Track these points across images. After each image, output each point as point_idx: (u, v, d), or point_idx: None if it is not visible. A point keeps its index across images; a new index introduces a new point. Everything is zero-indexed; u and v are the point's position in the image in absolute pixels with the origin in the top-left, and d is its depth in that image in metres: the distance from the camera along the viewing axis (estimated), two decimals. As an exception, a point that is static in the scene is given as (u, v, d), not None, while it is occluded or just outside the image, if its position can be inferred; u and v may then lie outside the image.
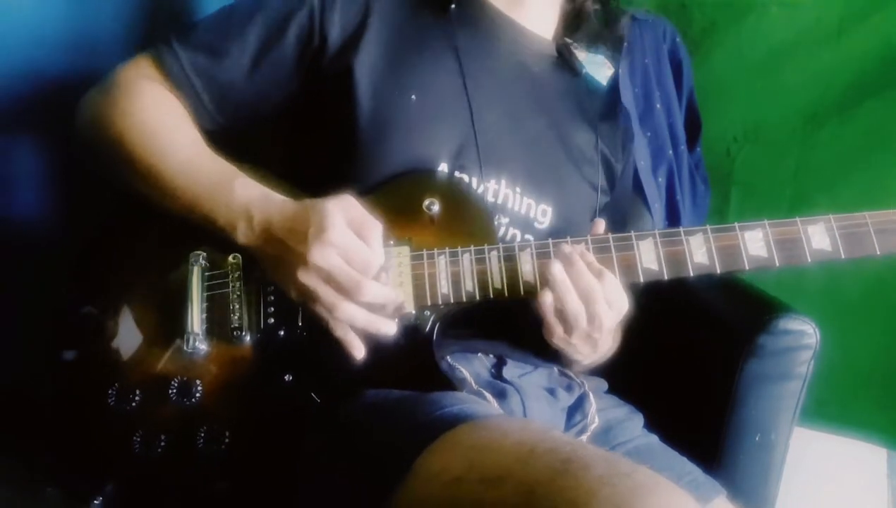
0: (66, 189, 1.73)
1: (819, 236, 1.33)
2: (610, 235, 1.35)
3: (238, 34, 1.45)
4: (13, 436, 1.43)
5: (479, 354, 1.50)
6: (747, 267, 1.33)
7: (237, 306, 1.34)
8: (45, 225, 1.71)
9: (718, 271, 1.33)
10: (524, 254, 1.34)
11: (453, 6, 1.54)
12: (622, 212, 1.78)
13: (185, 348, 1.32)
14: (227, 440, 1.30)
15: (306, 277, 1.23)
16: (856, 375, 2.13)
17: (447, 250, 1.35)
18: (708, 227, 1.34)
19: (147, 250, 1.43)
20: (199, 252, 1.37)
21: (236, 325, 1.33)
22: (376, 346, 1.28)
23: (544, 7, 1.62)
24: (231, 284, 1.35)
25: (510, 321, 1.46)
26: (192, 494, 1.32)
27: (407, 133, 1.44)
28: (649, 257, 1.33)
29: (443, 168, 1.44)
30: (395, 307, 1.30)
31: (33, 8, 1.64)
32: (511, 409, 1.42)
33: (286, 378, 1.32)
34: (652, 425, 1.59)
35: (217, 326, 1.34)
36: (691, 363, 1.75)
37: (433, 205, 1.38)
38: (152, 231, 1.43)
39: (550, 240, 1.35)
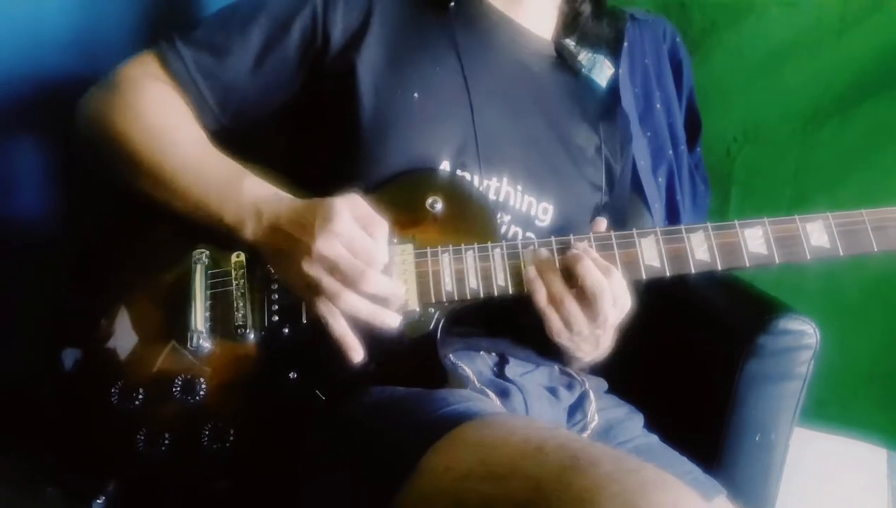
0: (67, 189, 1.73)
1: (818, 233, 1.34)
2: (612, 232, 1.36)
3: (241, 33, 1.45)
4: (13, 436, 1.43)
5: (482, 352, 1.51)
6: (748, 264, 1.34)
7: (241, 304, 1.33)
8: (45, 225, 1.71)
9: (719, 268, 1.34)
10: (527, 251, 1.35)
11: (452, 4, 1.54)
12: (622, 212, 1.78)
13: (188, 346, 1.32)
14: (231, 438, 1.29)
15: (311, 267, 1.23)
16: (856, 375, 2.13)
17: (451, 247, 1.35)
18: (709, 225, 1.35)
19: (148, 249, 1.42)
20: (202, 250, 1.37)
21: (240, 323, 1.33)
22: (380, 344, 1.28)
23: (543, 7, 1.63)
24: (235, 282, 1.35)
25: (512, 319, 1.46)
26: (194, 493, 1.32)
27: (409, 131, 1.44)
28: (651, 254, 1.34)
29: (444, 166, 1.45)
30: (399, 304, 1.30)
31: (33, 8, 1.64)
32: (513, 408, 1.42)
33: (290, 375, 1.32)
34: (652, 425, 1.60)
35: (220, 324, 1.34)
36: (691, 363, 1.75)
37: (436, 204, 1.38)
38: (153, 230, 1.42)
39: (553, 239, 1.35)
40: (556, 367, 1.59)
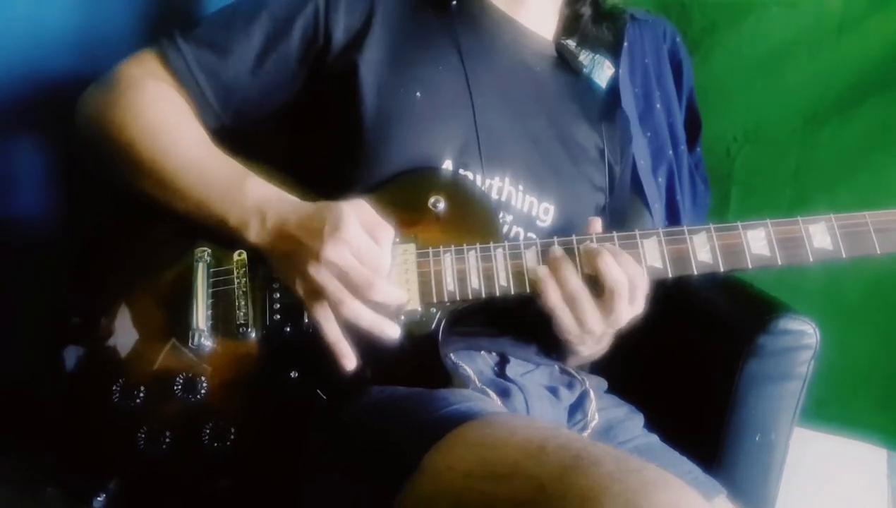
0: (67, 189, 1.73)
1: (820, 235, 1.34)
2: (614, 234, 1.35)
3: (243, 32, 1.45)
4: (13, 436, 1.43)
5: (483, 352, 1.51)
6: (750, 266, 1.33)
7: (243, 302, 1.33)
8: (45, 225, 1.71)
9: (722, 269, 1.33)
10: (530, 251, 1.34)
11: (454, 3, 1.54)
12: (622, 212, 1.78)
13: (189, 345, 1.32)
14: (232, 437, 1.29)
15: (317, 272, 1.23)
16: (856, 375, 2.13)
17: (453, 248, 1.35)
18: (711, 226, 1.35)
19: (149, 248, 1.42)
20: (203, 248, 1.37)
21: (242, 322, 1.33)
22: (381, 344, 1.28)
23: (544, 7, 1.63)
24: (237, 281, 1.34)
25: (513, 319, 1.46)
26: (195, 492, 1.32)
27: (411, 131, 1.44)
28: (653, 255, 1.34)
29: (447, 165, 1.45)
30: (398, 306, 1.30)
31: (33, 7, 1.64)
32: (514, 407, 1.42)
33: (292, 375, 1.31)
34: (652, 425, 1.60)
35: (222, 323, 1.34)
36: (691, 363, 1.75)
37: (439, 203, 1.38)
38: (154, 229, 1.42)
39: (556, 239, 1.35)
40: (557, 367, 1.60)
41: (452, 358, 1.45)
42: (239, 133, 1.48)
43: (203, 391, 1.30)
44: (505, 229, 1.47)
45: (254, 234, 1.30)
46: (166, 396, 1.30)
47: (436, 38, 1.53)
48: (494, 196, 1.47)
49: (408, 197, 1.39)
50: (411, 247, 1.35)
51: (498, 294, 1.33)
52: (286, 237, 1.27)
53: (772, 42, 2.19)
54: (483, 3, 1.60)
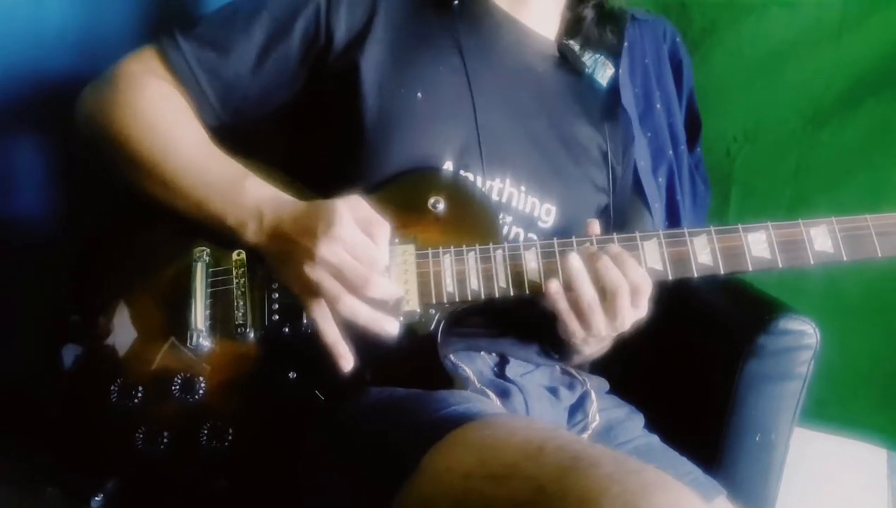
0: (66, 189, 1.73)
1: (821, 238, 1.34)
2: (615, 235, 1.35)
3: (244, 30, 1.45)
4: (13, 436, 1.43)
5: (482, 353, 1.51)
6: (750, 269, 1.34)
7: (241, 303, 1.33)
8: (45, 225, 1.71)
9: (722, 272, 1.34)
10: (529, 252, 1.34)
11: (456, 3, 1.54)
12: (623, 212, 1.78)
13: (188, 345, 1.32)
14: (230, 437, 1.29)
15: (312, 271, 1.23)
16: (856, 375, 2.13)
17: (452, 249, 1.35)
18: (712, 228, 1.35)
19: (149, 248, 1.42)
20: (202, 248, 1.37)
21: (240, 322, 1.33)
22: (380, 344, 1.28)
23: (547, 8, 1.63)
24: (235, 281, 1.34)
25: (513, 319, 1.46)
26: (193, 492, 1.32)
27: (412, 131, 1.44)
28: (654, 257, 1.34)
29: (447, 166, 1.45)
30: (396, 303, 1.30)
31: (33, 7, 1.64)
32: (514, 408, 1.42)
33: (290, 375, 1.32)
34: (652, 425, 1.60)
35: (221, 323, 1.34)
36: (691, 363, 1.75)
37: (438, 204, 1.38)
38: (154, 229, 1.42)
39: (556, 240, 1.35)
40: (558, 367, 1.60)
41: (452, 358, 1.45)
42: (239, 131, 1.48)
43: (201, 391, 1.30)
44: (505, 230, 1.47)
45: (252, 234, 1.30)
46: (164, 396, 1.30)
47: (437, 38, 1.53)
48: (495, 197, 1.47)
49: (407, 197, 1.39)
50: (410, 248, 1.35)
51: (497, 295, 1.33)
52: (282, 236, 1.27)
53: (772, 42, 2.18)
54: (485, 3, 1.59)
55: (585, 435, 1.50)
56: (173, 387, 1.30)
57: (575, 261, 1.31)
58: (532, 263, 1.34)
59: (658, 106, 1.99)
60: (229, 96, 1.46)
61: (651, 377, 1.73)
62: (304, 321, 1.32)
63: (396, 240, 1.33)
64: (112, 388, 1.31)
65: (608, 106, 1.71)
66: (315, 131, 1.52)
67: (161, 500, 1.34)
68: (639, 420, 1.60)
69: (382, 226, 1.27)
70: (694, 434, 1.59)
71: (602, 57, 1.70)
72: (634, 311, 1.33)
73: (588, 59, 1.67)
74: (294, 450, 1.31)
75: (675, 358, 1.77)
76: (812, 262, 1.33)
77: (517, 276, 1.33)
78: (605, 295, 1.30)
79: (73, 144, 1.47)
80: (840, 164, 2.13)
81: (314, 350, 1.28)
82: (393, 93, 1.45)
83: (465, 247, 1.35)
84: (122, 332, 1.36)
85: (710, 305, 1.76)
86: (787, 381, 1.61)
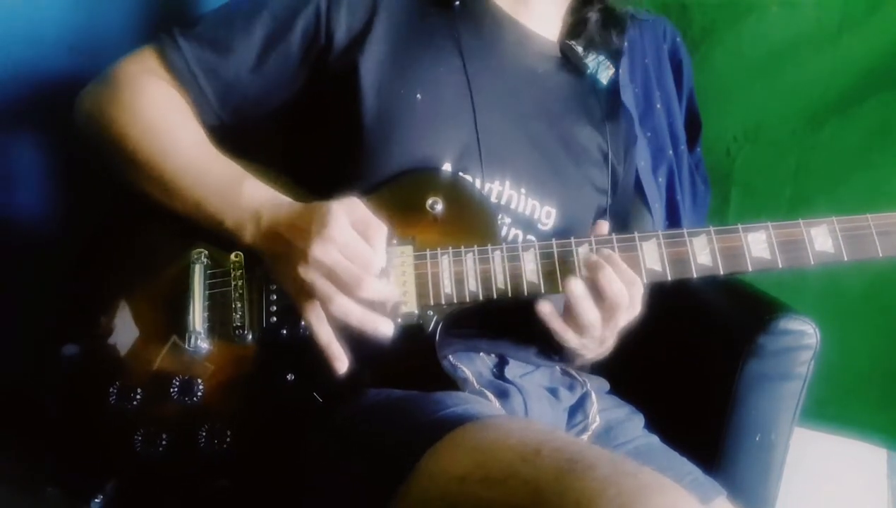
0: (66, 189, 1.73)
1: (822, 238, 1.33)
2: (613, 236, 1.35)
3: (243, 30, 1.45)
4: (13, 436, 1.43)
5: (482, 354, 1.51)
6: (750, 269, 1.33)
7: (239, 305, 1.33)
8: (45, 224, 1.71)
9: (722, 272, 1.33)
10: (528, 254, 1.34)
11: (457, 4, 1.54)
12: (624, 214, 1.78)
13: (186, 347, 1.32)
14: (228, 439, 1.29)
15: (306, 272, 1.22)
16: (856, 375, 2.13)
17: (450, 250, 1.34)
18: (711, 229, 1.34)
19: (148, 249, 1.42)
20: (200, 250, 1.37)
21: (238, 324, 1.33)
22: (378, 346, 1.27)
23: (549, 9, 1.62)
24: (233, 282, 1.34)
25: (512, 320, 1.45)
26: (192, 493, 1.32)
27: (411, 132, 1.44)
28: (653, 258, 1.33)
29: (446, 168, 1.44)
30: (393, 305, 1.30)
31: (33, 7, 1.64)
32: (513, 409, 1.42)
33: (288, 377, 1.32)
34: (652, 425, 1.60)
35: (219, 325, 1.34)
36: (691, 363, 1.75)
37: (437, 204, 1.38)
38: (153, 230, 1.42)
39: (554, 241, 1.35)
40: (557, 368, 1.60)
41: (451, 359, 1.44)
42: (238, 131, 1.48)
43: (199, 393, 1.31)
44: (504, 231, 1.47)
45: (249, 236, 1.30)
46: (163, 398, 1.31)
47: (438, 39, 1.52)
48: (494, 199, 1.47)
49: (406, 198, 1.39)
50: (409, 249, 1.34)
51: (495, 296, 1.33)
52: (278, 238, 1.27)
53: (772, 42, 2.19)
54: (486, 4, 1.59)
55: (585, 436, 1.50)
56: (172, 389, 1.31)
57: (577, 288, 1.31)
58: (530, 264, 1.34)
59: (658, 106, 1.99)
60: (229, 96, 1.46)
61: (651, 377, 1.73)
62: (302, 323, 1.31)
63: (394, 242, 1.33)
64: (111, 390, 1.32)
65: (609, 106, 1.70)
66: (314, 131, 1.51)
67: (161, 501, 1.34)
68: (639, 420, 1.60)
69: (379, 228, 1.26)
70: (694, 434, 1.58)
71: (603, 57, 1.69)
72: (629, 313, 1.33)
73: (590, 59, 1.67)
74: (293, 451, 1.31)
75: (675, 359, 1.77)
76: (812, 262, 1.33)
77: (515, 278, 1.33)
78: (605, 304, 1.30)
79: (73, 144, 1.47)
80: (840, 164, 2.13)
81: (312, 352, 1.27)
82: (392, 93, 1.44)
83: (463, 249, 1.34)
84: (121, 334, 1.36)
85: (710, 305, 1.76)
86: (787, 381, 1.61)
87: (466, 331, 1.46)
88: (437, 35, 1.53)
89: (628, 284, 1.30)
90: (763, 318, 1.60)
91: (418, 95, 1.45)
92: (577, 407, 1.55)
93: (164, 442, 1.30)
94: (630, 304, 1.32)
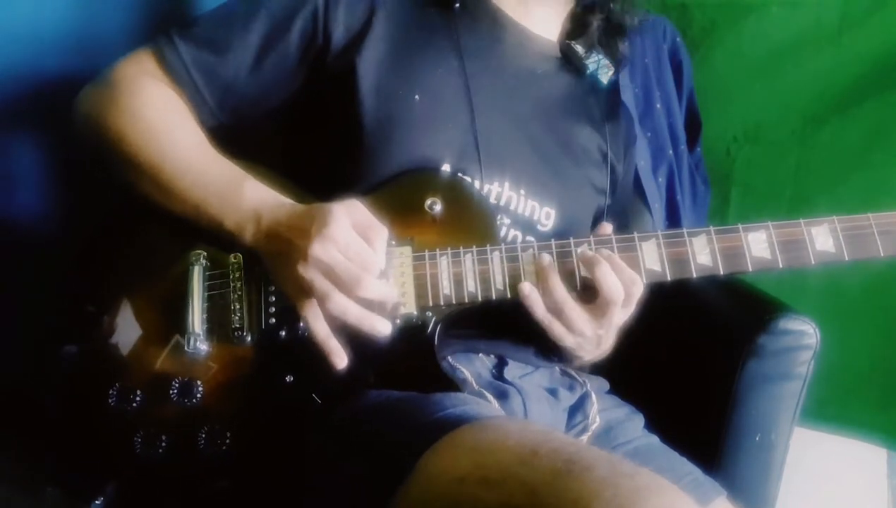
0: (66, 188, 1.73)
1: (823, 238, 1.33)
2: (613, 236, 1.35)
3: (241, 30, 1.45)
4: (13, 436, 1.43)
5: (481, 354, 1.50)
6: (750, 269, 1.33)
7: (238, 306, 1.34)
8: (45, 225, 1.71)
9: (721, 272, 1.33)
10: (526, 254, 1.34)
11: (457, 5, 1.53)
12: (624, 214, 1.78)
13: (185, 348, 1.32)
14: (228, 440, 1.30)
15: (305, 270, 1.23)
16: (856, 375, 2.13)
17: (449, 250, 1.34)
18: (711, 229, 1.34)
19: (148, 250, 1.42)
20: (199, 251, 1.37)
21: (237, 326, 1.33)
22: (377, 347, 1.28)
23: (550, 11, 1.61)
24: (232, 284, 1.35)
25: (511, 321, 1.45)
26: (193, 494, 1.32)
27: (410, 133, 1.43)
28: (652, 258, 1.33)
29: (445, 169, 1.44)
30: (392, 306, 1.30)
31: (33, 6, 1.64)
32: (512, 410, 1.42)
33: (287, 378, 1.32)
34: (652, 425, 1.60)
35: (218, 326, 1.34)
36: (691, 363, 1.75)
37: (435, 205, 1.38)
38: (152, 230, 1.42)
39: (553, 241, 1.35)
40: (557, 368, 1.60)
41: (450, 360, 1.44)
42: (237, 132, 1.48)
43: (199, 395, 1.31)
44: (503, 232, 1.47)
45: (249, 237, 1.30)
46: (162, 399, 1.31)
47: (437, 39, 1.52)
48: (493, 200, 1.46)
49: (404, 199, 1.39)
50: (407, 250, 1.34)
51: (494, 297, 1.33)
52: (278, 237, 1.27)
53: (772, 42, 2.19)
54: (486, 5, 1.58)
55: (585, 437, 1.50)
56: (171, 391, 1.31)
57: (544, 259, 1.33)
58: (529, 265, 1.34)
59: (658, 106, 1.99)
60: (227, 97, 1.46)
61: (651, 377, 1.73)
62: (301, 324, 1.32)
63: (393, 243, 1.32)
64: (110, 392, 1.32)
65: (609, 106, 1.70)
66: (313, 132, 1.51)
67: (161, 502, 1.35)
68: (639, 420, 1.59)
69: (380, 230, 1.26)
70: (694, 434, 1.58)
71: (603, 57, 1.69)
72: (624, 312, 1.34)
73: (590, 59, 1.66)
74: (292, 452, 1.31)
75: (675, 359, 1.77)
76: (813, 262, 1.33)
77: (514, 278, 1.33)
78: (599, 300, 1.31)
79: (73, 144, 1.47)
80: (840, 164, 2.13)
81: (311, 353, 1.28)
82: (390, 94, 1.44)
83: (461, 249, 1.34)
84: (120, 335, 1.36)
85: (710, 305, 1.76)
86: (787, 381, 1.61)
87: (465, 332, 1.45)
88: (437, 35, 1.52)
89: (628, 283, 1.30)
90: (763, 318, 1.60)
91: (417, 96, 1.45)
92: (577, 408, 1.55)
93: (163, 444, 1.30)
94: (626, 303, 1.32)
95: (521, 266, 1.34)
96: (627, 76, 1.77)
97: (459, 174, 1.44)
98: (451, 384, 1.33)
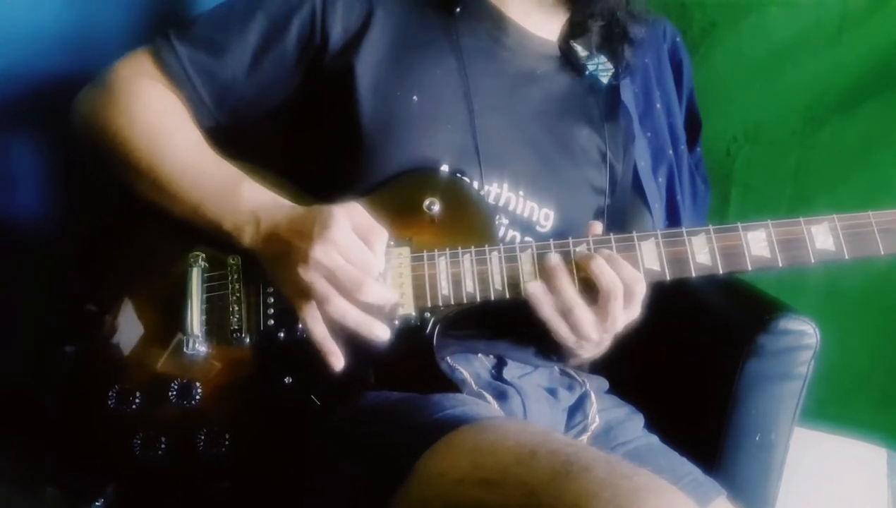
0: (66, 188, 1.73)
1: (823, 236, 1.32)
2: (612, 236, 1.35)
3: (239, 31, 1.44)
4: (13, 436, 1.43)
5: (480, 355, 1.50)
6: (750, 268, 1.33)
7: (237, 308, 1.33)
8: (45, 225, 1.71)
9: (721, 272, 1.33)
10: (525, 254, 1.34)
11: (458, 9, 1.53)
12: (623, 214, 1.78)
13: (184, 350, 1.32)
14: (227, 442, 1.30)
15: (306, 273, 1.22)
16: (856, 375, 2.13)
17: (447, 251, 1.34)
18: (710, 228, 1.34)
19: (147, 250, 1.42)
20: (198, 253, 1.36)
21: (236, 327, 1.33)
22: (376, 348, 1.27)
23: (551, 13, 1.61)
24: (230, 286, 1.35)
25: (510, 321, 1.45)
26: (192, 495, 1.32)
27: (408, 134, 1.43)
28: (651, 257, 1.33)
29: (444, 170, 1.44)
30: (391, 309, 1.30)
31: (32, 6, 1.64)
32: (511, 410, 1.42)
33: (286, 380, 1.32)
34: (652, 425, 1.59)
35: (217, 328, 1.34)
36: (691, 363, 1.75)
37: (433, 205, 1.37)
38: (152, 231, 1.42)
39: (552, 241, 1.34)
40: (556, 368, 1.59)
41: (449, 361, 1.44)
42: (235, 133, 1.48)
43: (198, 396, 1.31)
44: (501, 232, 1.47)
45: (248, 238, 1.30)
46: (161, 401, 1.31)
47: (436, 40, 1.52)
48: (492, 201, 1.46)
49: (402, 199, 1.38)
50: (406, 251, 1.34)
51: (493, 298, 1.33)
52: (277, 239, 1.27)
53: (772, 42, 2.19)
54: (486, 5, 1.58)
55: (585, 437, 1.50)
56: (170, 393, 1.31)
57: (553, 258, 1.32)
58: (528, 265, 1.33)
59: (658, 106, 1.99)
60: (225, 98, 1.46)
61: (651, 377, 1.73)
62: (300, 326, 1.32)
63: (392, 243, 1.32)
64: (110, 394, 1.32)
65: (608, 105, 1.70)
66: (311, 132, 1.51)
67: (161, 504, 1.35)
68: (638, 420, 1.59)
69: (380, 232, 1.26)
70: (694, 434, 1.58)
71: (601, 56, 1.69)
72: (627, 313, 1.33)
73: (590, 59, 1.66)
74: (290, 454, 1.31)
75: (675, 359, 1.76)
76: (813, 261, 1.32)
77: (513, 278, 1.33)
78: (599, 297, 1.30)
79: (73, 144, 1.46)
80: (840, 164, 2.13)
81: (309, 354, 1.28)
82: (389, 95, 1.44)
83: (460, 249, 1.34)
84: (120, 337, 1.36)
85: (710, 305, 1.76)
86: (787, 381, 1.61)
87: (464, 333, 1.45)
88: (436, 36, 1.52)
89: (630, 282, 1.30)
90: (763, 318, 1.60)
91: (415, 97, 1.44)
92: (577, 408, 1.55)
93: (163, 446, 1.30)
94: (629, 303, 1.31)
95: (520, 266, 1.33)
96: (627, 76, 1.77)
97: (458, 174, 1.44)
98: (450, 384, 1.33)
